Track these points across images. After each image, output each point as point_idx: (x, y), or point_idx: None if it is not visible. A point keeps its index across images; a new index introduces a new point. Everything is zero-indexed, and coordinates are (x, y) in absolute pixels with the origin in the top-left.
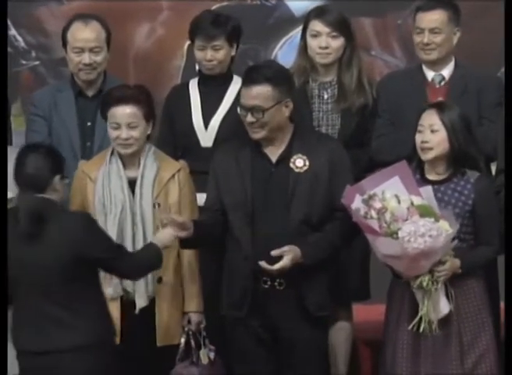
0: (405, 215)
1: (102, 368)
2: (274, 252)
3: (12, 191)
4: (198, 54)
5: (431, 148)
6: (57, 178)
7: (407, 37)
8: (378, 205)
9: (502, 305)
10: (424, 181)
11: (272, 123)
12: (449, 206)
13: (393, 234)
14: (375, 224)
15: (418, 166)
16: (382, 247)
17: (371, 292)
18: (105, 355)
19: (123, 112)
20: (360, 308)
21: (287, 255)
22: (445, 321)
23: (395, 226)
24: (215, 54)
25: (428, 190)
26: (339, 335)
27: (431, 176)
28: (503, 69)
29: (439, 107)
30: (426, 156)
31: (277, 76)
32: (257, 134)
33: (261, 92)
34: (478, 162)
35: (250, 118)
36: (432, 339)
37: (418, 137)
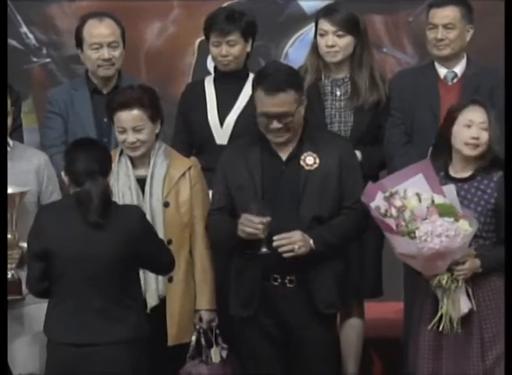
0: (424, 214)
1: (142, 361)
2: (277, 237)
3: (12, 188)
4: (213, 50)
5: (478, 145)
6: (110, 174)
7: (419, 35)
8: (398, 203)
9: None
10: (448, 179)
11: (296, 124)
12: (471, 204)
13: (411, 233)
14: (392, 222)
15: (444, 163)
16: (399, 245)
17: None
18: (145, 349)
19: (128, 117)
20: (373, 306)
21: (293, 233)
22: (466, 319)
23: (413, 224)
24: (230, 49)
25: (451, 188)
26: (351, 332)
27: (456, 174)
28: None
29: (485, 105)
30: (471, 152)
31: (294, 78)
32: (283, 138)
33: (287, 99)
34: (502, 161)
35: (276, 124)
36: (454, 337)
37: (466, 132)
